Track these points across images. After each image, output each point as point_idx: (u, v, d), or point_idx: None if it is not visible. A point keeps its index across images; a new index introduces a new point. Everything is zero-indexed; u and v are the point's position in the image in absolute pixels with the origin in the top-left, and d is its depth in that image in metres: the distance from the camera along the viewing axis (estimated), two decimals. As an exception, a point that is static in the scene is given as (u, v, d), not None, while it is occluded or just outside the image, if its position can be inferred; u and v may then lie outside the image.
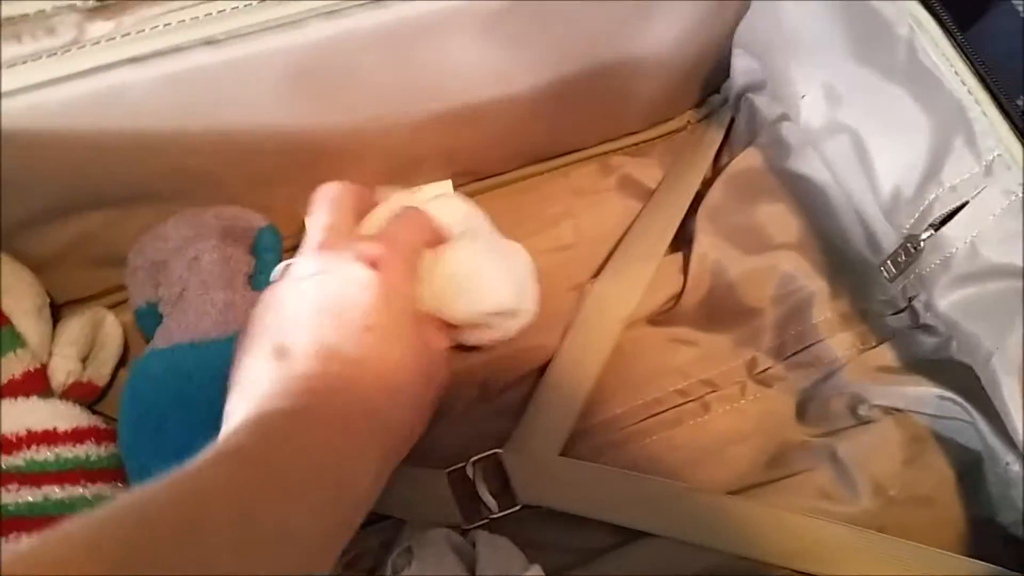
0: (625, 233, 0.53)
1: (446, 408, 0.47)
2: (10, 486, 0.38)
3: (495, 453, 0.45)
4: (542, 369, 0.48)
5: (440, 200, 0.45)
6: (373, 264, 0.35)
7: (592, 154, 0.57)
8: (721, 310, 0.50)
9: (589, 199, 0.55)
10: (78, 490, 0.40)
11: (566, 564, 0.44)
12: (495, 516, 0.44)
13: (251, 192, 0.47)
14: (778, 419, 0.49)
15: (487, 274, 0.44)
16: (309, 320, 0.34)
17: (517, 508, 0.44)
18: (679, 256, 0.52)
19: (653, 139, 0.58)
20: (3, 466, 0.39)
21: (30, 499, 0.38)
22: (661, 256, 0.51)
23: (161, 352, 0.43)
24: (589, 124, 0.56)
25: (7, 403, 0.40)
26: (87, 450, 0.41)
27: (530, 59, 0.48)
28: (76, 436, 0.41)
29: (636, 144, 0.58)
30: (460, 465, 0.45)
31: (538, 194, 0.55)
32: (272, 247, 0.47)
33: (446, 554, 0.40)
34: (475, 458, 0.45)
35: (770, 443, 0.48)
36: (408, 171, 0.51)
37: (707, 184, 0.53)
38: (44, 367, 0.42)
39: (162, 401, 0.41)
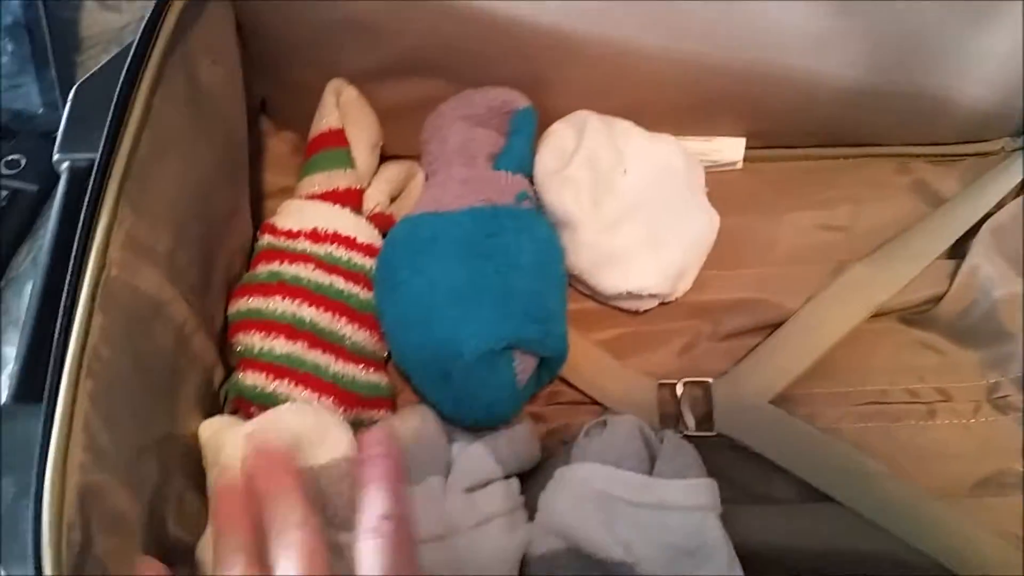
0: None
1: (674, 332, 0.51)
2: (308, 264, 0.47)
3: (707, 381, 0.48)
4: (772, 327, 0.50)
5: None
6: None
7: (892, 153, 0.57)
8: (977, 326, 0.49)
9: (877, 191, 0.55)
10: (353, 287, 0.48)
11: (742, 503, 0.45)
12: (689, 435, 0.47)
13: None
14: (1003, 447, 0.47)
15: (639, 257, 0.48)
16: None
17: (712, 434, 0.47)
18: (950, 263, 0.51)
19: (961, 156, 0.57)
20: (311, 250, 0.48)
21: (319, 280, 0.47)
22: (932, 258, 0.51)
23: (407, 219, 0.49)
24: (895, 123, 0.56)
25: (326, 206, 0.49)
26: (371, 264, 0.49)
27: (849, 38, 0.49)
28: (368, 251, 0.49)
29: (942, 156, 0.57)
30: (672, 381, 0.48)
31: (825, 175, 0.56)
32: (523, 129, 0.50)
33: (635, 438, 0.43)
34: (688, 379, 0.48)
35: (987, 466, 0.46)
36: (702, 118, 0.54)
37: (1001, 205, 0.52)
38: (361, 191, 0.51)
39: (400, 261, 0.47)
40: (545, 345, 0.45)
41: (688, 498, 0.41)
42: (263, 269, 0.47)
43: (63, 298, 0.33)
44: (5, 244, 0.55)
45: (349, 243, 0.49)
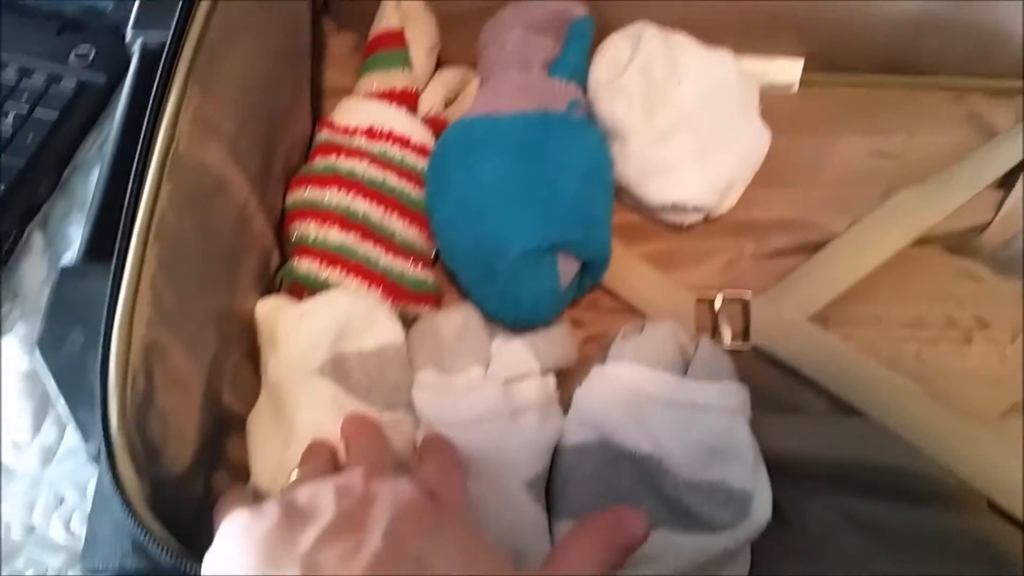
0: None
1: (717, 248, 0.51)
2: (363, 159, 0.48)
3: (746, 298, 0.49)
4: (817, 248, 0.51)
5: None
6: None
7: (949, 84, 0.57)
8: (1019, 257, 0.49)
9: (931, 121, 0.55)
10: (406, 185, 0.49)
11: (774, 413, 0.46)
12: (724, 347, 0.48)
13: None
14: (1039, 376, 0.47)
15: (687, 169, 0.48)
16: None
17: (747, 347, 0.48)
18: (998, 193, 0.51)
19: (1017, 90, 0.56)
20: (366, 147, 0.49)
21: (373, 175, 0.48)
22: (981, 188, 0.51)
23: (460, 121, 0.50)
24: (954, 53, 0.55)
25: (383, 105, 0.50)
26: (424, 164, 0.50)
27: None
28: (422, 151, 0.51)
29: (1000, 89, 0.56)
30: (711, 296, 0.49)
31: (880, 103, 0.56)
32: (580, 38, 0.51)
33: (670, 342, 0.45)
34: (726, 292, 0.49)
35: (1019, 394, 0.47)
36: (761, 36, 0.54)
37: (1057, 138, 0.52)
38: (417, 93, 0.52)
39: (452, 161, 0.49)
40: (588, 249, 0.46)
41: (718, 399, 0.43)
42: (320, 162, 0.49)
43: (134, 165, 0.35)
44: (73, 132, 0.57)
45: (403, 142, 0.50)
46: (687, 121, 0.50)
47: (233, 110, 0.41)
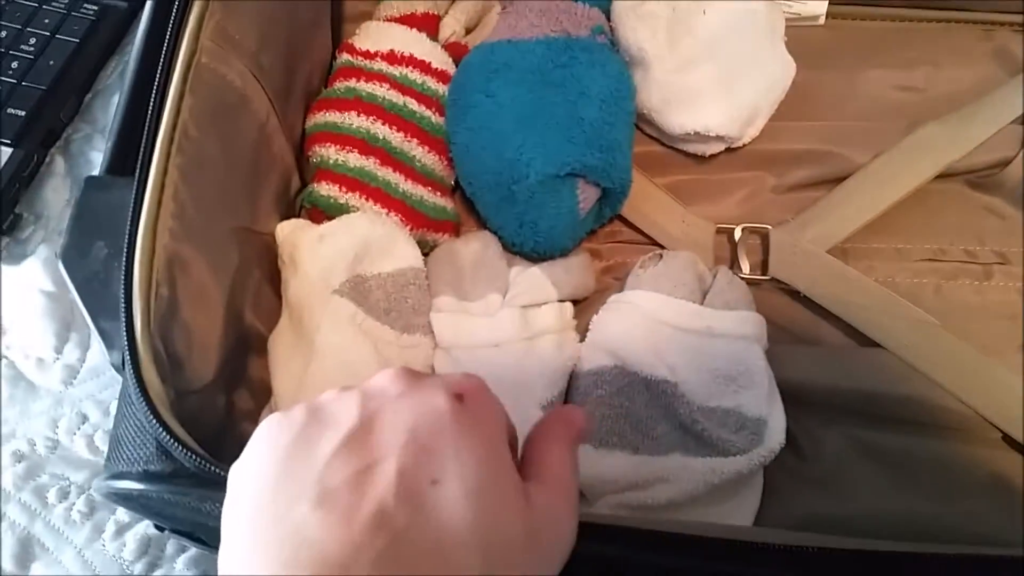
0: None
1: (738, 181, 0.51)
2: (384, 84, 0.48)
3: (766, 229, 0.49)
4: (838, 180, 0.50)
5: None
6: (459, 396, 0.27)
7: (977, 20, 0.56)
8: (1044, 194, 0.49)
9: (957, 56, 0.54)
10: (426, 110, 0.49)
11: (790, 344, 0.47)
12: (743, 277, 0.48)
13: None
14: (1058, 312, 0.47)
15: (711, 97, 0.47)
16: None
17: (766, 278, 0.48)
18: (1022, 129, 0.50)
19: (1051, 26, 0.55)
20: (387, 71, 0.49)
21: (392, 99, 0.48)
22: (1006, 123, 0.50)
23: (481, 47, 0.50)
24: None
25: (404, 29, 0.50)
26: (444, 90, 0.50)
27: None
28: (442, 76, 0.50)
29: (1029, 25, 0.56)
30: (731, 226, 0.49)
31: (907, 37, 0.55)
32: None
33: (688, 271, 0.45)
34: (746, 225, 0.49)
35: (1039, 330, 0.47)
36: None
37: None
38: (438, 18, 0.52)
39: (472, 85, 0.48)
40: (608, 175, 0.46)
41: (735, 327, 0.43)
42: (340, 85, 0.48)
43: (157, 77, 0.35)
44: (95, 57, 0.57)
45: (424, 67, 0.50)
46: (712, 50, 0.49)
47: (255, 26, 0.41)
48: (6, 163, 0.51)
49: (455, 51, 0.51)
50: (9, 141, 0.51)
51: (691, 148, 0.51)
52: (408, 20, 0.50)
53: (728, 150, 0.51)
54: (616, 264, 0.50)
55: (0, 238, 0.50)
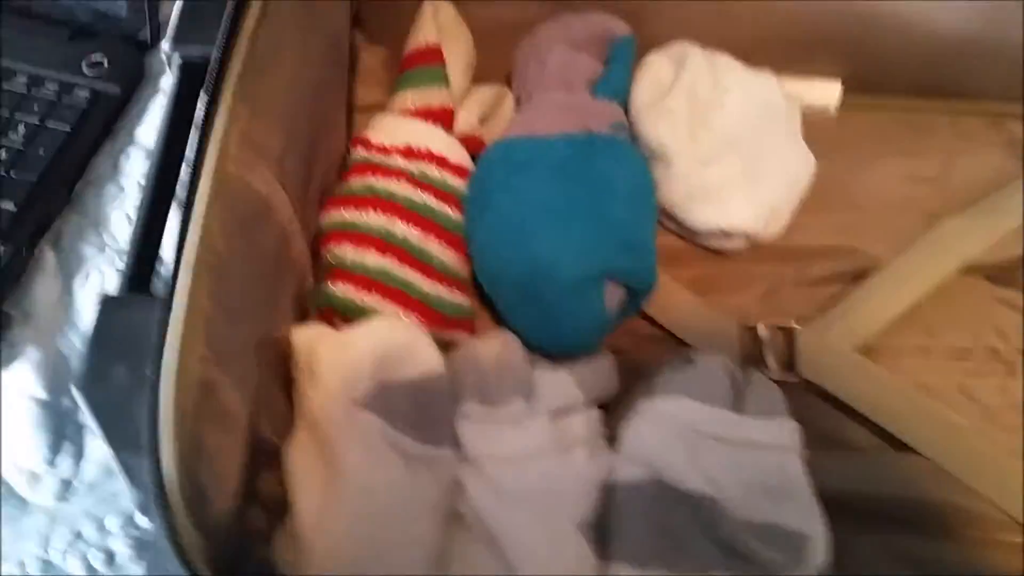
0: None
1: (758, 275, 0.50)
2: (402, 180, 0.47)
3: (792, 326, 0.48)
4: (858, 275, 0.50)
5: None
6: None
7: (989, 111, 0.56)
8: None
9: (970, 145, 0.55)
10: (444, 207, 0.47)
11: (819, 448, 0.45)
12: (774, 380, 0.46)
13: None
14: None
15: (735, 193, 0.47)
16: None
17: (796, 380, 0.47)
18: (1039, 223, 0.50)
19: (1059, 117, 0.56)
20: (404, 166, 0.47)
21: (411, 196, 0.46)
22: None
23: (501, 142, 0.48)
24: (995, 77, 0.55)
25: (420, 123, 0.49)
26: (461, 185, 0.49)
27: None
28: (459, 171, 0.49)
29: (1039, 116, 0.56)
30: (755, 325, 0.48)
31: (918, 126, 0.56)
32: (623, 58, 0.50)
33: (722, 376, 0.43)
34: (772, 323, 0.48)
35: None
36: (800, 57, 0.53)
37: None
38: (453, 111, 0.50)
39: (493, 183, 0.47)
40: (637, 276, 0.44)
41: (775, 437, 0.41)
42: (357, 182, 0.47)
43: (185, 192, 0.33)
44: (86, 145, 0.54)
45: (442, 162, 0.48)
46: (733, 144, 0.48)
47: (280, 127, 0.39)
48: (-6, 261, 0.48)
49: (472, 146, 0.50)
50: (-3, 237, 0.49)
51: (714, 243, 0.50)
52: (423, 113, 0.49)
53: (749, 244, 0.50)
54: (635, 360, 0.49)
55: (-13, 341, 0.47)
